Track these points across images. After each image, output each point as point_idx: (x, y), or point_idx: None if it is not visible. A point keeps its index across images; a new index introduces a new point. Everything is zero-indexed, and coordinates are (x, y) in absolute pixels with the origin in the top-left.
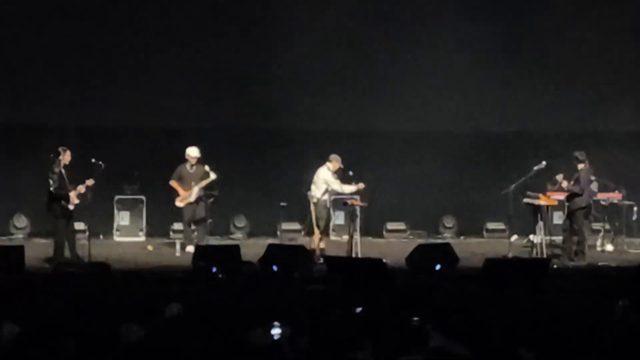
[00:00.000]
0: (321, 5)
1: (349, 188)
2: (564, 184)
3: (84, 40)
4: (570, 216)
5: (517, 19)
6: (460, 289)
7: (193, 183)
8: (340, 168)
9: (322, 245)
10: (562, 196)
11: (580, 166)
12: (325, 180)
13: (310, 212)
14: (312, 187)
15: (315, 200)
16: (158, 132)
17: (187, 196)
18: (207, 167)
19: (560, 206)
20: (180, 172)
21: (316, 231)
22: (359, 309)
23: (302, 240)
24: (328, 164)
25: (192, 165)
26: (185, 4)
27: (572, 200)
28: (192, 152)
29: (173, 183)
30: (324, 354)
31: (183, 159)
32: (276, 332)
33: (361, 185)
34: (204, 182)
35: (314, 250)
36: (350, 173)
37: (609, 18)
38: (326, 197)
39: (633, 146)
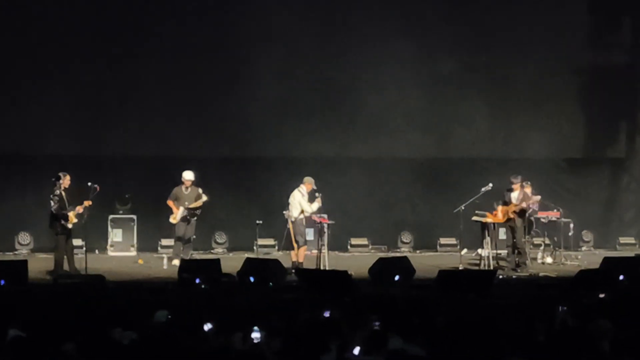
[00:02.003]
0: (290, 45)
1: (315, 206)
2: (533, 199)
3: (81, 77)
4: (512, 232)
5: (468, 55)
6: (416, 296)
7: (187, 203)
8: (313, 189)
9: (300, 259)
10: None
11: (516, 187)
12: (299, 202)
13: (288, 229)
14: (290, 207)
15: (292, 219)
16: (147, 159)
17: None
18: (200, 190)
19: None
20: (177, 194)
21: (295, 246)
22: (325, 315)
23: (276, 254)
24: (302, 185)
25: (187, 188)
26: (172, 41)
27: (517, 217)
28: (188, 175)
29: (170, 202)
30: (295, 355)
31: (170, 183)
32: (256, 335)
33: (319, 200)
34: (197, 203)
35: (300, 263)
36: (317, 194)
37: (550, 57)
38: (302, 216)
39: (571, 171)
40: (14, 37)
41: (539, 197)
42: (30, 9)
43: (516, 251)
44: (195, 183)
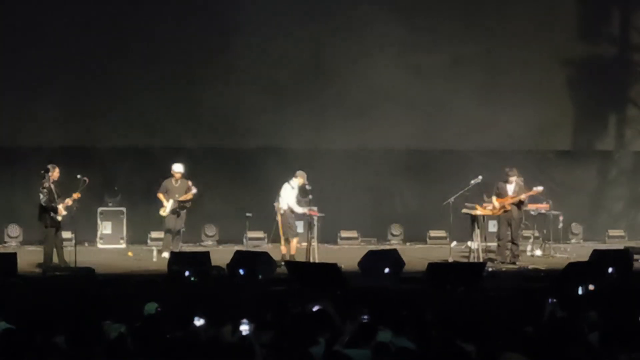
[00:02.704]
0: (279, 33)
1: (299, 209)
2: (535, 191)
3: (70, 69)
4: (509, 224)
5: (457, 45)
6: (406, 289)
7: (177, 195)
8: (304, 184)
9: (292, 251)
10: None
11: (512, 179)
12: (286, 196)
13: (277, 222)
14: (280, 199)
15: (282, 212)
16: (136, 151)
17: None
18: (189, 182)
19: (495, 216)
20: (167, 186)
21: (282, 238)
22: (314, 308)
23: (265, 247)
24: (294, 179)
25: (176, 180)
26: (160, 31)
27: (514, 209)
28: (177, 168)
29: (160, 195)
30: (284, 347)
31: (158, 175)
32: (244, 328)
33: (306, 210)
34: (187, 196)
35: (291, 256)
36: (308, 187)
37: (538, 49)
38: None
39: (560, 163)
40: (1, 30)
41: (541, 188)
42: (18, 1)
43: (509, 244)
44: (185, 175)
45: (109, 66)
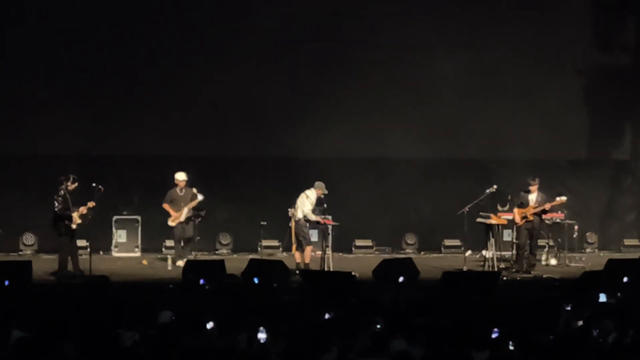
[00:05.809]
0: (296, 41)
1: (313, 217)
2: (558, 201)
3: (85, 77)
4: (530, 234)
5: (471, 54)
6: (420, 298)
7: (183, 204)
8: (323, 194)
9: (306, 260)
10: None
11: (534, 189)
12: (302, 204)
13: (290, 228)
14: (296, 207)
15: (296, 219)
16: (151, 159)
17: (178, 217)
18: (194, 190)
19: (510, 225)
20: (172, 196)
21: (294, 246)
22: (328, 316)
23: (280, 255)
24: (312, 189)
25: (181, 189)
26: (175, 40)
27: (536, 219)
28: (180, 176)
29: (165, 205)
30: (297, 355)
31: (173, 184)
32: (261, 336)
33: (321, 219)
34: (193, 203)
35: (306, 264)
36: (322, 195)
37: (554, 57)
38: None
39: (575, 172)
40: (18, 38)
41: (564, 198)
42: (31, 10)
43: (526, 253)
44: (189, 183)
45: (126, 75)
